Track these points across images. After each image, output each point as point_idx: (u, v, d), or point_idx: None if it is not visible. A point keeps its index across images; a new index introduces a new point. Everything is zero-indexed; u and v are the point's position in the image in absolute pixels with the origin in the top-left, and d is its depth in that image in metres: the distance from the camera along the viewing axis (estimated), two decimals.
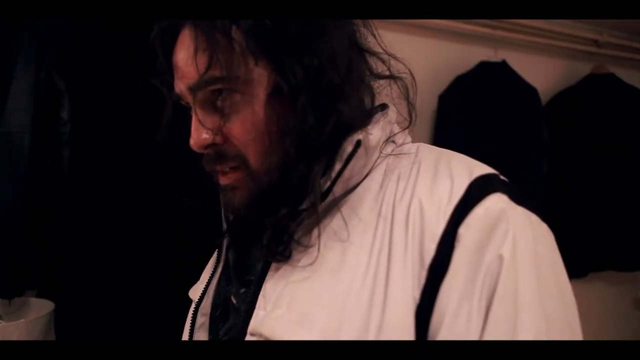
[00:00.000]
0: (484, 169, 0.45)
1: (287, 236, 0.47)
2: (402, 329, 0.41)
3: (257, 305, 0.48)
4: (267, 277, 0.49)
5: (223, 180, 0.51)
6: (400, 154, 0.50)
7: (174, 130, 0.55)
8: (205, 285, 0.59)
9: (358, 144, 0.47)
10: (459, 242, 0.41)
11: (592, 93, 1.95)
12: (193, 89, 0.47)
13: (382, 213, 0.45)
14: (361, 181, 0.48)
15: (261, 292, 0.48)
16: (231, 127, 0.47)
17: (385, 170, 0.48)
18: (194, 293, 0.61)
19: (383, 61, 0.50)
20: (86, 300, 1.08)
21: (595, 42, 2.04)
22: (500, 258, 0.39)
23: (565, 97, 1.97)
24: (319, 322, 0.43)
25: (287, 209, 0.46)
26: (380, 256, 0.43)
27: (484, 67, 1.74)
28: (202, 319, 0.58)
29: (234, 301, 0.54)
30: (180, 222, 1.02)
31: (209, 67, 0.45)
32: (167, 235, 1.11)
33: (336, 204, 0.47)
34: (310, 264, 0.46)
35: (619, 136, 1.93)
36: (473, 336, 0.39)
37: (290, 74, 0.45)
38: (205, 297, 0.58)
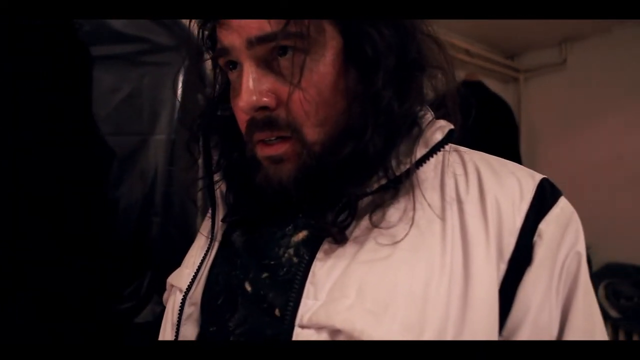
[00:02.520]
0: (535, 172, 0.47)
1: (351, 217, 0.43)
2: (485, 323, 0.40)
3: (304, 294, 0.42)
4: (315, 263, 0.43)
5: (265, 151, 0.46)
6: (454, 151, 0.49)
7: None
8: (195, 271, 0.52)
9: (451, 134, 0.45)
10: (541, 238, 0.42)
11: (462, 99, 2.15)
12: (254, 43, 0.42)
13: (446, 205, 0.44)
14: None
15: (309, 279, 0.42)
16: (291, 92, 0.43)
17: (440, 163, 0.47)
18: (178, 279, 0.54)
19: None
20: None
21: (467, 52, 2.26)
22: (578, 254, 0.42)
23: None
24: (400, 314, 0.39)
25: (358, 187, 0.43)
26: (454, 248, 0.42)
27: None
28: (191, 309, 0.51)
29: (249, 288, 0.48)
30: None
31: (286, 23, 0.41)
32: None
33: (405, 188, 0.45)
34: (380, 249, 0.42)
35: (483, 140, 2.16)
36: (554, 330, 0.41)
37: (369, 41, 0.42)
38: (195, 284, 0.51)
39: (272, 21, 0.41)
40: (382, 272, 0.41)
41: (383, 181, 0.43)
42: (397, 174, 0.43)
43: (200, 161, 0.57)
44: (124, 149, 1.07)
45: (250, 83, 0.43)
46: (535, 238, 0.42)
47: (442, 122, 0.47)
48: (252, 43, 0.43)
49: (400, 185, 0.44)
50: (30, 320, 0.91)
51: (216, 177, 0.56)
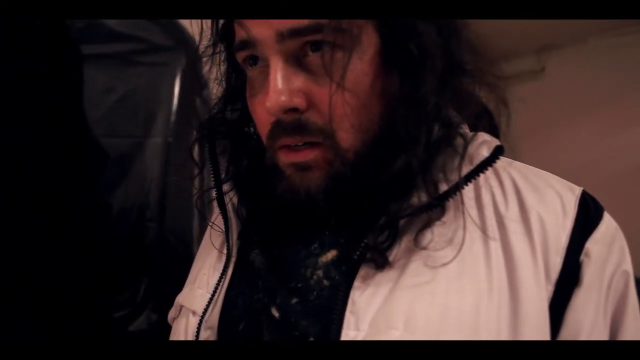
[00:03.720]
0: (572, 184, 0.45)
1: (392, 238, 0.39)
2: None
3: (345, 324, 0.38)
4: (354, 291, 0.39)
5: (291, 157, 0.41)
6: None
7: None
8: (212, 292, 0.47)
9: (499, 150, 0.41)
10: (589, 257, 0.40)
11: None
12: (285, 36, 0.38)
13: (486, 221, 0.41)
14: None
15: (348, 308, 0.39)
16: (326, 92, 0.38)
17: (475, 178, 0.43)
18: (190, 301, 0.49)
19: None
20: None
21: None
22: (626, 274, 0.40)
23: None
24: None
25: (399, 203, 0.39)
26: (499, 269, 0.39)
27: None
28: (207, 333, 0.47)
29: (276, 314, 0.44)
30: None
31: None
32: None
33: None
34: (423, 272, 0.39)
35: None
36: None
37: (414, 38, 0.38)
38: (211, 307, 0.47)
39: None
40: (429, 299, 0.38)
41: (426, 198, 0.40)
42: (442, 191, 0.40)
43: (205, 169, 0.53)
44: (119, 152, 1.03)
45: (279, 81, 0.39)
46: (583, 257, 0.40)
47: (485, 136, 0.44)
48: (283, 36, 0.38)
49: (446, 203, 0.41)
50: (22, 326, 0.87)
51: (225, 187, 0.51)
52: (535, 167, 0.46)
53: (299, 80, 0.39)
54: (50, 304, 0.88)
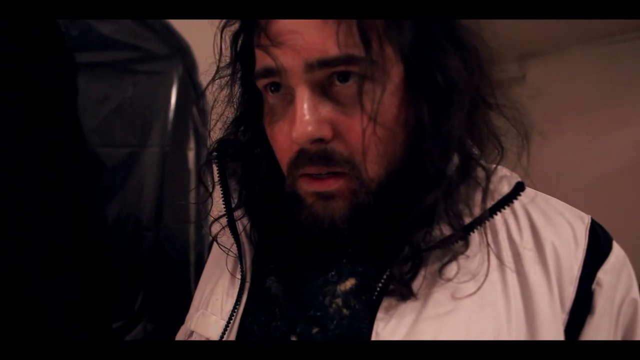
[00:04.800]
0: (580, 211, 0.46)
1: (415, 270, 0.40)
2: None
3: None
4: (377, 322, 0.40)
5: (314, 186, 0.41)
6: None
7: None
8: (227, 319, 0.46)
9: (520, 187, 0.41)
10: (600, 287, 0.41)
11: None
12: (315, 66, 0.37)
13: (502, 249, 0.42)
14: None
15: (373, 337, 0.39)
16: (354, 123, 0.38)
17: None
18: (204, 328, 0.48)
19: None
20: None
21: None
22: (635, 302, 0.42)
23: None
24: None
25: (423, 234, 0.39)
26: (515, 298, 0.40)
27: None
28: None
29: None
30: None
31: (368, 43, 0.36)
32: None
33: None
34: (444, 302, 0.39)
35: None
36: None
37: (439, 67, 0.38)
38: (227, 335, 0.46)
39: (336, 44, 0.37)
40: (452, 330, 0.38)
41: (449, 230, 0.40)
42: (465, 224, 0.40)
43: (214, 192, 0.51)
44: (115, 161, 1.03)
45: (306, 111, 0.38)
46: (594, 286, 0.41)
47: (504, 170, 0.44)
48: (312, 66, 0.38)
49: (469, 235, 0.41)
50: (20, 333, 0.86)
51: (237, 213, 0.50)
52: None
53: (325, 110, 0.39)
54: (47, 313, 0.87)
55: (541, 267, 0.41)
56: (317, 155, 0.39)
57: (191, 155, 1.11)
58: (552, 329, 0.39)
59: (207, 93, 0.50)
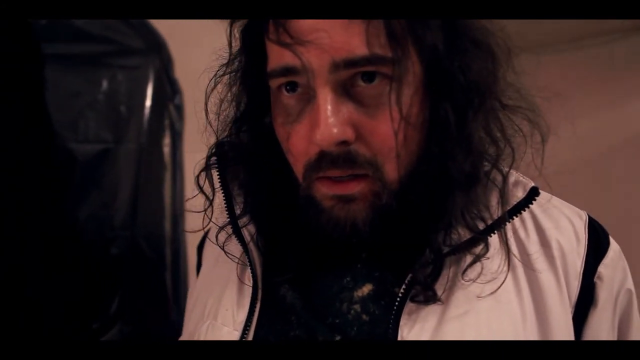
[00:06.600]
0: (576, 207, 0.47)
1: (436, 274, 0.40)
2: None
3: None
4: (402, 327, 0.39)
5: (335, 189, 0.39)
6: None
7: None
8: (242, 330, 0.44)
9: (534, 192, 0.42)
10: (601, 280, 0.43)
11: None
12: (341, 66, 0.36)
13: (511, 250, 0.42)
14: None
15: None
16: (377, 124, 0.37)
17: None
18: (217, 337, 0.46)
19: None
20: None
21: None
22: (629, 292, 0.44)
23: None
24: None
25: (443, 237, 0.39)
26: (527, 294, 0.41)
27: None
28: None
29: None
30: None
31: (396, 43, 0.36)
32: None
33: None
34: (464, 302, 0.40)
35: None
36: None
37: (460, 67, 0.38)
38: None
39: (364, 43, 0.36)
40: (475, 330, 0.39)
41: (468, 233, 0.40)
42: (484, 226, 0.40)
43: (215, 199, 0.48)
44: (89, 158, 0.99)
45: (330, 113, 0.36)
46: (596, 280, 0.43)
47: (518, 176, 0.44)
48: (337, 66, 0.36)
49: (489, 238, 0.41)
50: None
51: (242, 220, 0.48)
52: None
53: (348, 111, 0.37)
54: (22, 315, 0.83)
55: (549, 265, 0.42)
56: (341, 158, 0.38)
57: (167, 151, 1.09)
58: (563, 326, 0.41)
59: (207, 92, 0.46)
